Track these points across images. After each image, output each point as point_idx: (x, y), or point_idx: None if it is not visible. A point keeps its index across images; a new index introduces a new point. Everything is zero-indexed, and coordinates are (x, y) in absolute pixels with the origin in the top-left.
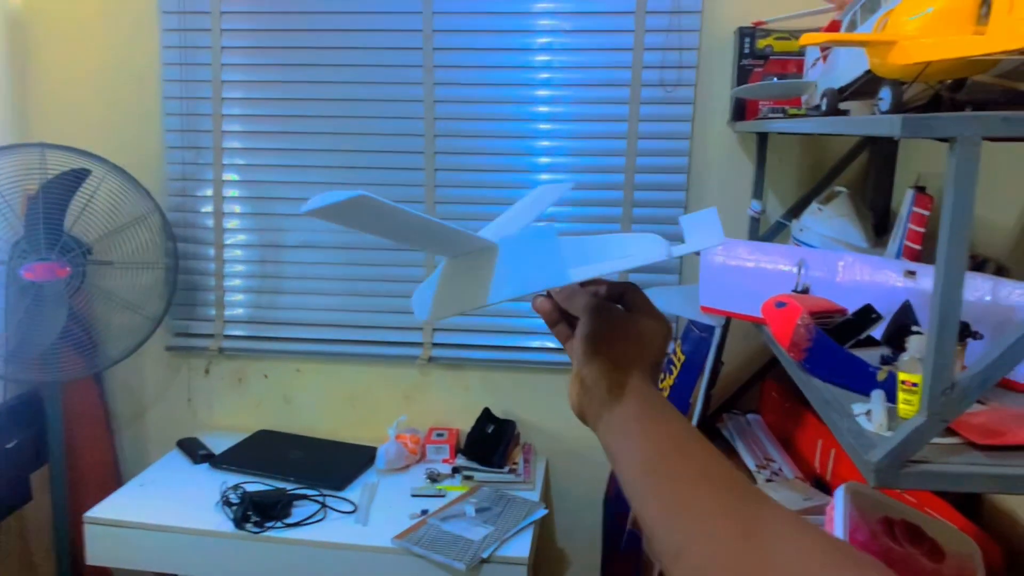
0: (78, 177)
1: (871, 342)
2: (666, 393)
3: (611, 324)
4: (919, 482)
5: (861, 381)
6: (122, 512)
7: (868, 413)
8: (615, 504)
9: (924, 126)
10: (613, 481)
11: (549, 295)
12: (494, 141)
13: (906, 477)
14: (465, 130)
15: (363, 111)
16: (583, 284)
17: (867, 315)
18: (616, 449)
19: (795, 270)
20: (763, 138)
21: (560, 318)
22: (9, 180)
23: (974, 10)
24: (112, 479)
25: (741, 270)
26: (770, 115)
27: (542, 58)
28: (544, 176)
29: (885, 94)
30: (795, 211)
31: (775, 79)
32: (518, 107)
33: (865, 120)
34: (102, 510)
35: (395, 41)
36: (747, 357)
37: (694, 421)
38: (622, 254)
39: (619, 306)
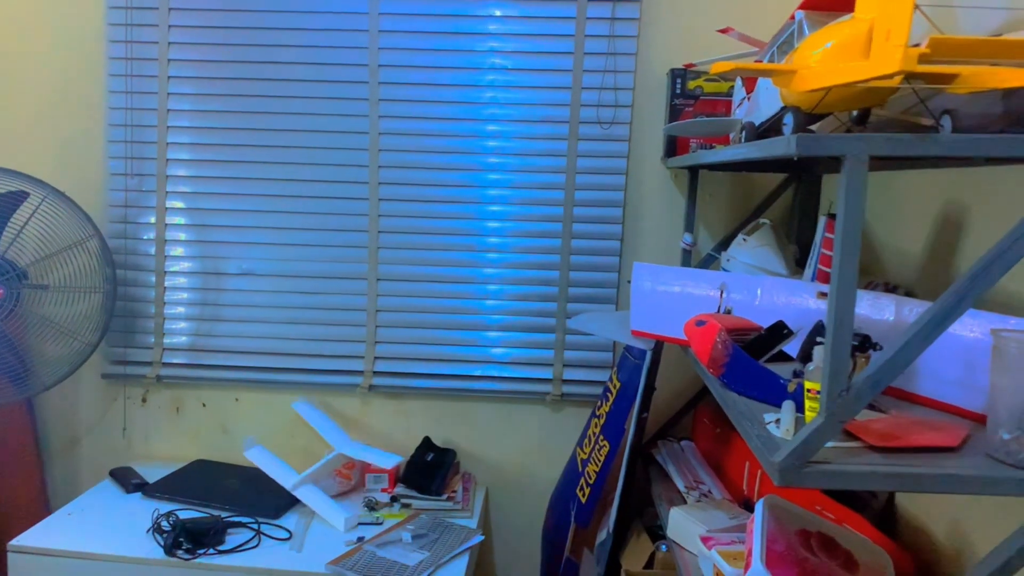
0: (15, 199)
1: (786, 358)
2: (603, 420)
3: None
4: (820, 481)
5: (774, 393)
6: (48, 540)
7: (777, 421)
8: (553, 533)
9: (817, 145)
10: (551, 512)
11: None
12: (439, 173)
13: (808, 476)
14: (410, 161)
15: (309, 142)
16: None
17: (779, 330)
18: None
19: (718, 294)
20: (694, 175)
21: None
22: None
23: (865, 43)
24: (40, 510)
25: (669, 295)
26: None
27: (486, 95)
28: (489, 208)
29: (788, 120)
30: (725, 244)
31: (704, 118)
32: (462, 141)
33: (768, 143)
34: (27, 539)
35: (341, 74)
36: (681, 386)
37: (627, 446)
38: None
39: None
